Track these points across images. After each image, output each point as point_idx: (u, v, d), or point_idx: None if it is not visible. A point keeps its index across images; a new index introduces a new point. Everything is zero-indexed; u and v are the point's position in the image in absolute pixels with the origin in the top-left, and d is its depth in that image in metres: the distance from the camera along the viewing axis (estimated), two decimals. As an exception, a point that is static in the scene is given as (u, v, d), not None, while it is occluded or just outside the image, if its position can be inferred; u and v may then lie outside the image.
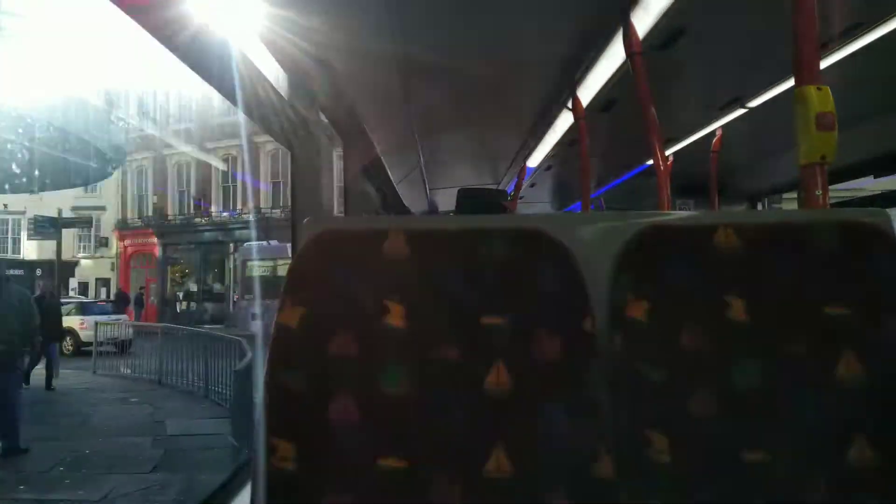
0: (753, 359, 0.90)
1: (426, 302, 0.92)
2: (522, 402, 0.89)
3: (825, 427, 0.88)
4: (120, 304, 19.83)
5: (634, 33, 2.19)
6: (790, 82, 2.69)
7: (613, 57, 2.55)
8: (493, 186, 6.25)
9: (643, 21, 2.20)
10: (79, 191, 25.42)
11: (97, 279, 26.98)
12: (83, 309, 16.02)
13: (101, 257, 26.91)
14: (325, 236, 0.95)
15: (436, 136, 4.18)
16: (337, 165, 3.17)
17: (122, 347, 12.92)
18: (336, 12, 1.88)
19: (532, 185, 5.90)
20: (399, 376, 0.90)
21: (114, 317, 15.51)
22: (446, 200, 6.94)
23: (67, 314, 14.14)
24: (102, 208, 26.42)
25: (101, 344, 12.79)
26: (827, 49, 2.35)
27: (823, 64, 1.30)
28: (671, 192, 2.36)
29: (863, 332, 0.90)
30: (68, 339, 13.61)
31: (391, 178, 4.63)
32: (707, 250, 0.95)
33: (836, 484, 0.86)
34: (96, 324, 12.77)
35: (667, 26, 2.21)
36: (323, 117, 2.41)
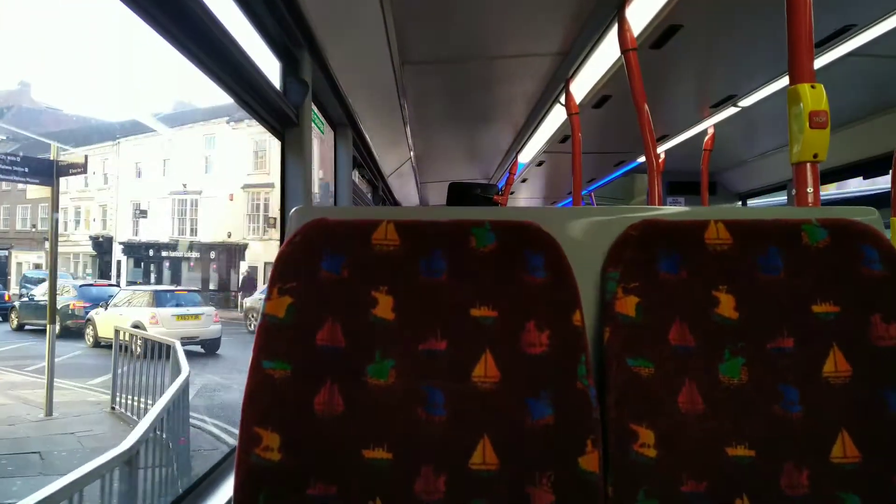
0: (741, 355, 0.90)
1: (415, 293, 0.92)
2: (510, 394, 0.88)
3: (811, 423, 0.88)
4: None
5: (629, 29, 2.19)
6: (784, 81, 2.70)
7: (607, 53, 2.55)
8: (485, 181, 6.26)
9: (638, 17, 2.20)
10: (249, 167, 24.50)
11: (265, 263, 25.07)
12: (157, 298, 12.60)
13: (270, 239, 24.69)
14: (314, 226, 0.94)
15: (427, 128, 4.17)
16: (328, 155, 3.16)
17: (209, 348, 10.59)
18: (331, 1, 1.86)
19: (523, 181, 5.90)
20: (386, 368, 0.89)
21: (197, 309, 12.42)
22: (437, 194, 6.94)
23: (141, 305, 12.06)
24: (271, 185, 24.12)
25: (182, 344, 10.10)
26: (820, 49, 2.36)
27: (816, 65, 1.31)
28: (662, 190, 2.36)
29: (850, 331, 0.90)
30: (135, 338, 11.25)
31: (382, 170, 4.61)
32: (697, 246, 0.95)
33: (820, 480, 0.87)
34: (116, 332, 7.51)
35: (661, 23, 2.21)
36: (314, 107, 2.39)
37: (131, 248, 26.04)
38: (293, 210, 1.02)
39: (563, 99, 3.14)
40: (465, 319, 0.90)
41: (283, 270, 0.92)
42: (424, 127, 4.10)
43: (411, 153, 4.59)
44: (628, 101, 2.26)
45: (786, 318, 0.91)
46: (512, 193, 5.92)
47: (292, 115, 1.93)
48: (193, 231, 25.21)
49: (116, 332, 7.32)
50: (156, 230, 24.93)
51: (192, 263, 24.63)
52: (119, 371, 6.89)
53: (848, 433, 0.87)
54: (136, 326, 10.98)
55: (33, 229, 28.57)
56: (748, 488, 0.87)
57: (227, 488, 1.56)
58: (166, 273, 24.91)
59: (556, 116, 3.57)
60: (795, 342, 0.90)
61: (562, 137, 3.95)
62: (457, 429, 0.87)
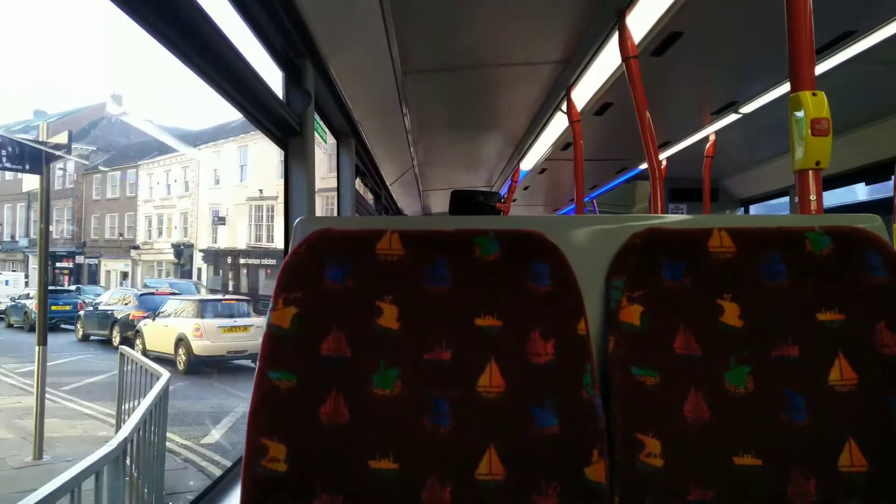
0: (747, 363, 0.90)
1: (419, 303, 0.92)
2: (515, 404, 0.88)
3: (817, 431, 0.88)
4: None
5: (630, 37, 2.19)
6: (784, 88, 2.70)
7: (608, 60, 2.55)
8: (487, 189, 6.26)
9: (638, 25, 2.21)
10: (323, 171, 23.59)
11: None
12: (202, 309, 11.45)
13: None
14: (318, 236, 0.94)
15: (430, 137, 4.18)
16: (331, 165, 3.16)
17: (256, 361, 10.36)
18: (333, 11, 1.87)
19: (526, 188, 5.90)
20: (391, 377, 0.89)
21: (245, 320, 11.40)
22: (440, 202, 6.95)
23: (187, 316, 11.25)
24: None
25: (229, 358, 9.85)
26: (821, 56, 2.37)
27: (817, 71, 1.31)
28: (665, 197, 2.37)
29: (855, 338, 0.90)
30: (180, 350, 10.50)
31: (385, 178, 4.62)
32: (701, 254, 0.95)
33: (828, 488, 0.86)
34: (121, 356, 6.12)
35: (662, 30, 2.22)
36: (317, 116, 2.40)
37: (211, 256, 26.35)
38: (297, 220, 1.02)
39: (564, 106, 3.14)
40: (470, 328, 0.90)
41: (287, 281, 0.92)
42: (426, 135, 4.11)
43: (414, 161, 4.60)
44: (630, 109, 2.26)
45: (790, 326, 0.91)
46: (514, 201, 5.92)
47: (295, 124, 1.93)
48: (270, 237, 25.22)
49: (121, 356, 6.07)
50: (234, 237, 25.13)
51: (268, 271, 24.65)
52: (124, 406, 5.61)
53: (855, 441, 0.87)
54: (179, 339, 10.55)
55: (120, 238, 29.12)
56: (755, 497, 0.86)
57: (233, 499, 1.55)
58: (244, 280, 25.13)
59: (558, 124, 3.57)
60: (801, 350, 0.90)
61: (564, 145, 3.96)
62: (462, 439, 0.87)
